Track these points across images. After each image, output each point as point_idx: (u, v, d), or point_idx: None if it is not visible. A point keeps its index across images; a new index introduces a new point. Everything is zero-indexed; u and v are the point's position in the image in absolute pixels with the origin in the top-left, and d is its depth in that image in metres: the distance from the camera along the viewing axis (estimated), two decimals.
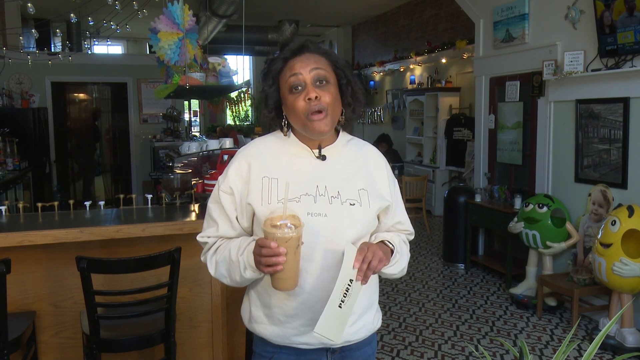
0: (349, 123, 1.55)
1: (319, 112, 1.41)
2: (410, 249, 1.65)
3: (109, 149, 10.17)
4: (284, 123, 1.51)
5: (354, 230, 1.46)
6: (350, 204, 1.47)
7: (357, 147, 1.58)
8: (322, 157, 1.50)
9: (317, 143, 1.50)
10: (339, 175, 1.49)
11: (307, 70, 1.42)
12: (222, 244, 1.51)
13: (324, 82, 1.43)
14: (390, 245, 1.50)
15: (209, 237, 1.53)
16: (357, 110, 1.53)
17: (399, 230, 1.61)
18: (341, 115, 1.51)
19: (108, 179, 10.29)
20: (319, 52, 1.48)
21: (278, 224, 1.30)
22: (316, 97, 1.41)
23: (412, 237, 1.66)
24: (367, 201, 1.49)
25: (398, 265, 1.53)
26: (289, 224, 1.30)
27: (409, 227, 1.64)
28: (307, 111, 1.42)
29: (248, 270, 1.41)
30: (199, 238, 1.56)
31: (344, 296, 1.33)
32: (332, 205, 1.45)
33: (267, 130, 1.61)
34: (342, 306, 1.33)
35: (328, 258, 1.42)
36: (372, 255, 1.35)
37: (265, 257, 1.30)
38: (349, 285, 1.33)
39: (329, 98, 1.43)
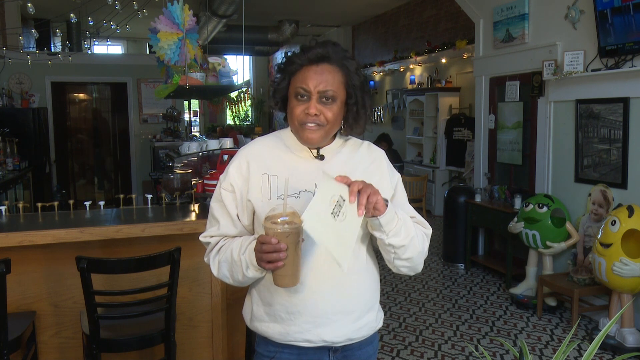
0: (349, 134, 1.55)
1: (313, 125, 1.43)
2: None
3: (109, 149, 10.17)
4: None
5: None
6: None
7: (355, 145, 1.59)
8: (321, 157, 1.52)
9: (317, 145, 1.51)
10: (337, 173, 1.49)
11: (317, 85, 1.42)
12: (224, 244, 1.52)
13: (330, 100, 1.44)
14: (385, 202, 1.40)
15: (211, 236, 1.55)
16: (355, 129, 1.52)
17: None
18: (344, 129, 1.52)
19: (108, 178, 10.29)
20: (338, 65, 1.46)
21: (278, 220, 1.31)
22: (315, 114, 1.42)
23: (429, 232, 1.59)
24: None
25: (405, 234, 1.42)
26: (287, 226, 1.31)
27: (420, 219, 1.58)
28: (302, 121, 1.44)
29: (250, 269, 1.42)
30: (201, 238, 1.57)
31: (335, 209, 1.28)
32: None
33: (267, 130, 1.63)
34: (337, 219, 1.29)
35: (327, 254, 1.43)
36: (362, 184, 1.29)
37: (266, 254, 1.30)
38: (341, 201, 1.28)
39: (329, 115, 1.44)
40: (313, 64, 1.45)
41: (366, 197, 1.28)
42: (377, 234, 1.41)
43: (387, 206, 1.36)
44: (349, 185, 1.29)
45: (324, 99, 1.44)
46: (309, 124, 1.43)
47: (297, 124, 1.45)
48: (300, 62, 1.46)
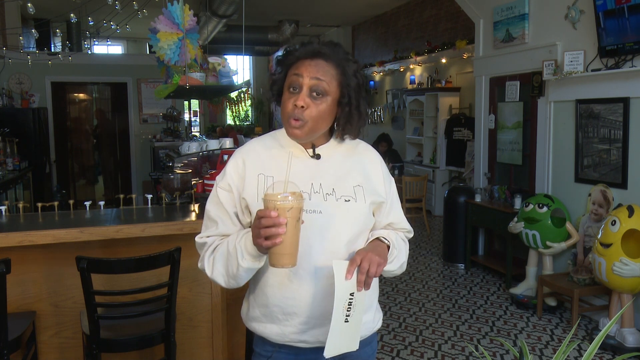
0: (346, 135, 1.54)
1: (298, 119, 1.42)
2: (410, 249, 1.65)
3: (109, 149, 10.17)
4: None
5: (349, 225, 1.46)
6: (345, 200, 1.47)
7: (352, 144, 1.58)
8: (317, 156, 1.51)
9: (310, 143, 1.50)
10: (333, 173, 1.50)
11: (309, 76, 1.42)
12: (220, 243, 1.49)
13: (320, 95, 1.42)
14: (386, 242, 1.50)
15: (208, 236, 1.51)
16: (348, 131, 1.50)
17: (396, 229, 1.62)
18: (337, 130, 1.51)
19: (108, 178, 10.30)
20: (334, 62, 1.45)
21: (279, 196, 1.26)
22: (302, 107, 1.41)
23: (410, 235, 1.66)
24: (363, 196, 1.50)
25: (396, 262, 1.53)
26: (290, 198, 1.26)
27: (406, 226, 1.64)
28: (289, 114, 1.43)
29: (245, 257, 1.36)
30: (197, 239, 1.53)
31: (347, 311, 1.33)
32: (326, 202, 1.45)
33: (267, 130, 1.63)
34: (349, 320, 1.34)
35: (324, 254, 1.43)
36: (367, 263, 1.34)
37: (264, 229, 1.25)
38: (350, 299, 1.33)
39: (314, 112, 1.42)
40: (309, 57, 1.44)
41: (366, 274, 1.34)
42: None
43: (388, 248, 1.48)
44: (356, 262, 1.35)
45: (315, 93, 1.42)
46: (294, 120, 1.42)
47: (285, 116, 1.45)
48: (297, 55, 1.46)
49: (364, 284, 1.34)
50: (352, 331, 1.36)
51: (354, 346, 1.38)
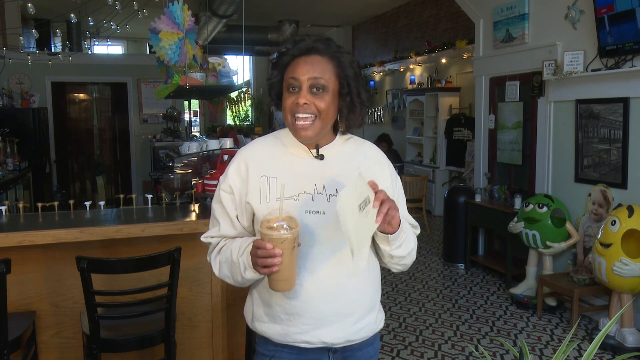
0: (348, 130, 1.54)
1: (305, 116, 1.41)
2: None
3: (109, 149, 10.17)
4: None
5: None
6: None
7: (356, 145, 1.58)
8: (320, 157, 1.50)
9: (314, 143, 1.49)
10: (337, 174, 1.49)
11: (306, 76, 1.41)
12: (225, 244, 1.52)
13: (321, 90, 1.42)
14: None
15: (212, 237, 1.55)
16: (351, 121, 1.50)
17: None
18: (340, 122, 1.50)
19: (108, 179, 10.30)
20: (328, 55, 1.45)
21: (274, 225, 1.30)
22: (305, 104, 1.41)
23: (417, 231, 1.65)
24: None
25: (405, 246, 1.49)
26: (285, 226, 1.30)
27: (412, 222, 1.63)
28: (293, 112, 1.42)
29: (248, 271, 1.41)
30: (202, 238, 1.58)
31: (362, 204, 1.27)
32: (330, 203, 1.45)
33: (267, 130, 1.62)
34: (360, 213, 1.27)
35: (327, 255, 1.43)
36: (386, 195, 1.32)
37: (260, 259, 1.30)
38: (368, 200, 1.28)
39: (322, 105, 1.42)
40: (303, 54, 1.44)
41: (387, 209, 1.31)
42: (381, 246, 1.45)
43: (399, 224, 1.42)
44: (376, 193, 1.31)
45: (315, 89, 1.42)
46: (300, 114, 1.41)
47: (289, 116, 1.44)
48: (291, 54, 1.45)
49: (380, 214, 1.30)
50: (359, 233, 1.30)
51: (356, 251, 1.29)
